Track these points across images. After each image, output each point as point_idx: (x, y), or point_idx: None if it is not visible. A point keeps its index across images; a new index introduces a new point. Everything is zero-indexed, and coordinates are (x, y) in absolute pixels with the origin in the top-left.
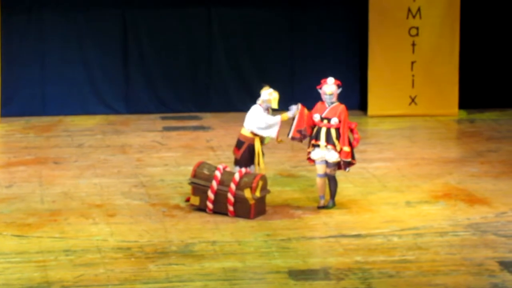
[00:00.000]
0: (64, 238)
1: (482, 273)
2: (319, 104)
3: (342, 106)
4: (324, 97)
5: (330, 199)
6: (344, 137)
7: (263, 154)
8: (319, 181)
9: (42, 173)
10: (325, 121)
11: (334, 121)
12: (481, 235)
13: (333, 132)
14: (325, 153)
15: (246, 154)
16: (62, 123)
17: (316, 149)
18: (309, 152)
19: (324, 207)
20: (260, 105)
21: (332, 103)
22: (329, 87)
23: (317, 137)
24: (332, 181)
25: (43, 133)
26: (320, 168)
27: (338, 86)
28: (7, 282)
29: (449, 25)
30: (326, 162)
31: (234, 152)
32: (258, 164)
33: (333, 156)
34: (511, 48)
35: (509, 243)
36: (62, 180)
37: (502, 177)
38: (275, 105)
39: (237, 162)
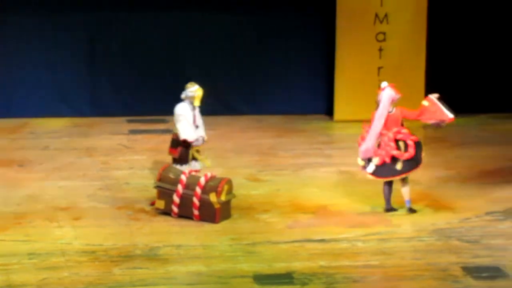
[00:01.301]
0: (28, 241)
1: (446, 278)
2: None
3: (399, 110)
4: None
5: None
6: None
7: (198, 151)
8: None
9: (6, 176)
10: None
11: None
12: (445, 240)
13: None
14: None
15: (183, 152)
16: (28, 125)
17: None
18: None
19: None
20: (184, 100)
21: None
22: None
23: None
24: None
25: (9, 135)
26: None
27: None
28: None
29: (416, 30)
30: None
31: (171, 152)
32: (196, 161)
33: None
34: (478, 53)
35: (473, 249)
36: (27, 182)
37: (467, 182)
38: (197, 103)
39: (176, 161)
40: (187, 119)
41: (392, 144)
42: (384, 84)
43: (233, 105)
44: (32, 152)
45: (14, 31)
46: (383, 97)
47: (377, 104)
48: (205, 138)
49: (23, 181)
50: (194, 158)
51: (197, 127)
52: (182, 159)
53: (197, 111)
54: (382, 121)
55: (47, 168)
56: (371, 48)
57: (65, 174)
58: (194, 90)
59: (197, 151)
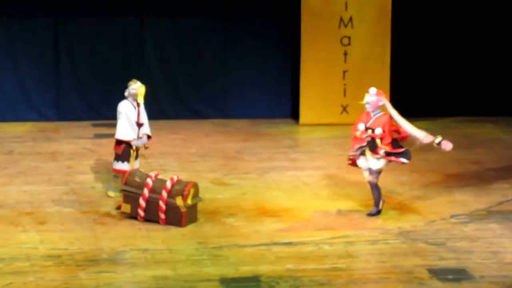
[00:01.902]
0: None
1: (412, 280)
2: (364, 114)
3: (386, 117)
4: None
5: (374, 206)
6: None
7: (137, 151)
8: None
9: None
10: (369, 131)
11: (378, 131)
12: (411, 243)
13: (377, 142)
14: (369, 161)
15: (126, 149)
16: None
17: (361, 158)
18: (353, 158)
19: (370, 214)
20: (127, 98)
21: (374, 113)
22: (367, 97)
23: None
24: (374, 189)
25: None
26: (366, 176)
27: (380, 97)
28: None
29: (380, 34)
30: (370, 170)
31: (115, 148)
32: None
33: (375, 164)
34: (442, 57)
35: (438, 251)
36: None
37: (431, 186)
38: (141, 100)
39: (118, 158)
40: (128, 117)
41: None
42: (373, 90)
43: (198, 109)
44: None
45: None
46: (383, 100)
47: (370, 108)
48: (150, 135)
49: None
50: (137, 157)
51: (141, 125)
52: (124, 157)
53: (141, 108)
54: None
55: (11, 172)
56: (336, 52)
57: (30, 179)
58: (136, 88)
59: (146, 148)
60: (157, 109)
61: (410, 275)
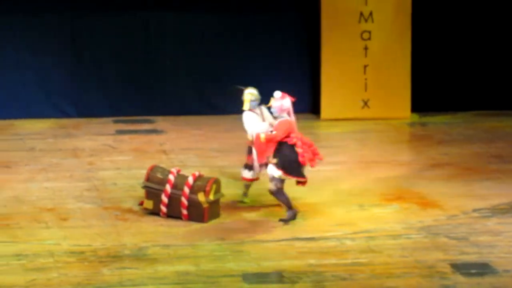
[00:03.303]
0: (15, 243)
1: (434, 275)
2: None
3: (286, 122)
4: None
5: (287, 211)
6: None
7: None
8: None
9: None
10: None
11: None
12: (433, 237)
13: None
14: (268, 167)
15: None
16: (13, 126)
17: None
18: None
19: (283, 220)
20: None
21: (276, 117)
22: (272, 101)
23: None
24: (276, 195)
25: None
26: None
27: (283, 101)
28: None
29: (400, 28)
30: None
31: (248, 158)
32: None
33: (271, 171)
34: (463, 51)
35: (460, 246)
36: (13, 184)
37: (453, 180)
38: (245, 106)
39: (247, 167)
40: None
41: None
42: (277, 94)
43: (218, 105)
44: (18, 154)
45: (0, 32)
46: (287, 105)
47: (276, 113)
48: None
49: (8, 183)
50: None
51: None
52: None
53: (263, 112)
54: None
55: (32, 169)
56: (356, 46)
57: (51, 175)
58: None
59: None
60: (178, 104)
61: (432, 269)
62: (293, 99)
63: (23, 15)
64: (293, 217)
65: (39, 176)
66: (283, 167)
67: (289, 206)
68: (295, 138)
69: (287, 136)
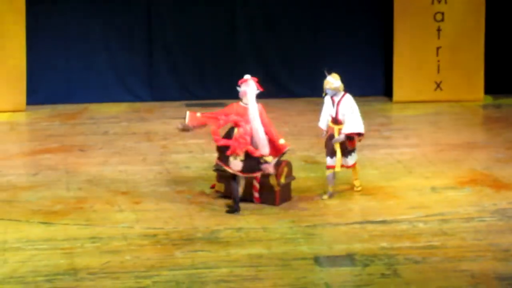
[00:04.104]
0: (90, 226)
1: (508, 258)
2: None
3: (245, 108)
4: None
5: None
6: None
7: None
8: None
9: (67, 161)
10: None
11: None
12: (507, 220)
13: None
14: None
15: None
16: (87, 110)
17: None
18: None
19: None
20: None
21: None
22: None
23: None
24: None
25: (69, 121)
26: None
27: (245, 87)
28: (35, 269)
29: (474, 9)
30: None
31: (350, 144)
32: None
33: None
34: None
35: None
36: (87, 167)
37: None
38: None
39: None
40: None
41: (248, 138)
42: (247, 76)
43: (290, 88)
44: (92, 137)
45: (74, 17)
46: (250, 91)
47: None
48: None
49: (83, 166)
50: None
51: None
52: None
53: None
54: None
55: (106, 153)
56: (429, 28)
57: (125, 159)
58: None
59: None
60: None
61: (507, 253)
62: (259, 87)
63: (97, 1)
64: (234, 211)
65: (113, 160)
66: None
67: (234, 198)
68: (234, 123)
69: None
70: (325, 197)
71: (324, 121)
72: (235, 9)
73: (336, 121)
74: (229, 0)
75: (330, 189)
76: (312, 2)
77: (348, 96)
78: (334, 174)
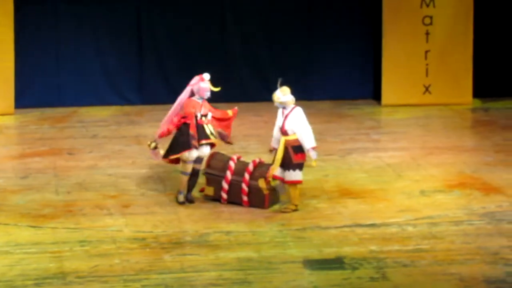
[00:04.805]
0: (79, 229)
1: (497, 262)
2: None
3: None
4: (205, 93)
5: (189, 192)
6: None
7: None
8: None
9: (56, 164)
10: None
11: (210, 116)
12: (496, 224)
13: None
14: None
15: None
16: (76, 114)
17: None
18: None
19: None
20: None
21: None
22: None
23: (206, 136)
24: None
25: (58, 124)
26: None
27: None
28: (23, 273)
29: (463, 13)
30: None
31: (297, 158)
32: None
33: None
34: None
35: None
36: (76, 171)
37: None
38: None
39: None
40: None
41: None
42: (207, 76)
43: None
44: (81, 141)
45: (63, 19)
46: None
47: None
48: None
49: (72, 170)
50: None
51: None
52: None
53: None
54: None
55: (96, 156)
56: (418, 32)
57: (114, 162)
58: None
59: None
60: (238, 90)
61: (496, 256)
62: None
63: (86, 2)
64: (180, 202)
65: (102, 163)
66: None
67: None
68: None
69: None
70: (278, 205)
71: (274, 140)
72: (225, 12)
73: (283, 132)
74: (219, 2)
75: (284, 198)
76: (303, 6)
77: (298, 109)
78: (282, 184)
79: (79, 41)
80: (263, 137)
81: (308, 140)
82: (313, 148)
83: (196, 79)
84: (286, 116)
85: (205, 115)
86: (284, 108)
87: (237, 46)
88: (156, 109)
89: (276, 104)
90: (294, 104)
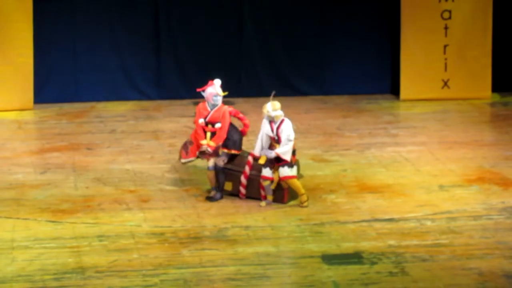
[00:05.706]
0: (97, 224)
1: None
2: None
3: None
4: (212, 98)
5: (218, 191)
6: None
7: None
8: (209, 173)
9: (75, 159)
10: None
11: (218, 126)
12: None
13: None
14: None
15: None
16: (94, 109)
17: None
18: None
19: (211, 198)
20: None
21: (215, 105)
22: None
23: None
24: (221, 174)
25: (76, 120)
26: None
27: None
28: (42, 267)
29: (482, 7)
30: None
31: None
32: None
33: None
34: None
35: None
36: (95, 166)
37: None
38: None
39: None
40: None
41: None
42: (218, 81)
43: (297, 86)
44: (99, 136)
45: (81, 15)
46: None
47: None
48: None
49: (91, 165)
50: None
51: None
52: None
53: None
54: None
55: (114, 151)
56: (436, 26)
57: (132, 157)
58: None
59: None
60: (256, 86)
61: None
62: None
63: (104, 0)
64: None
65: (120, 158)
66: None
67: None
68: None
69: None
70: (263, 203)
71: (259, 148)
72: (243, 8)
73: (278, 142)
74: (236, 0)
75: (270, 198)
76: (320, 3)
77: (287, 122)
78: (270, 184)
79: (96, 37)
80: None
81: (287, 154)
82: (287, 162)
83: (209, 84)
84: (277, 129)
85: (211, 123)
86: (271, 121)
87: (254, 41)
88: (174, 104)
89: (264, 116)
90: (282, 117)
